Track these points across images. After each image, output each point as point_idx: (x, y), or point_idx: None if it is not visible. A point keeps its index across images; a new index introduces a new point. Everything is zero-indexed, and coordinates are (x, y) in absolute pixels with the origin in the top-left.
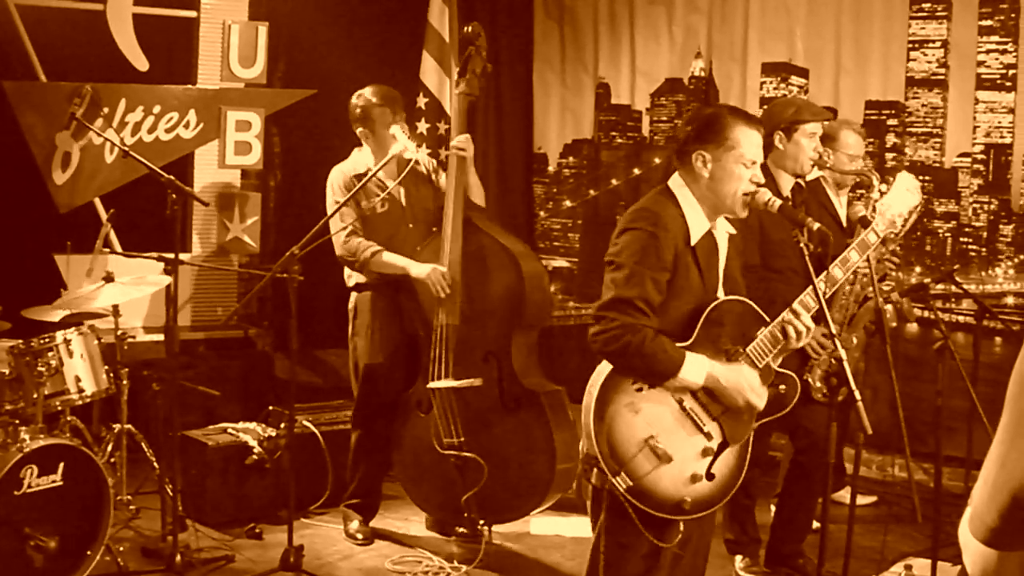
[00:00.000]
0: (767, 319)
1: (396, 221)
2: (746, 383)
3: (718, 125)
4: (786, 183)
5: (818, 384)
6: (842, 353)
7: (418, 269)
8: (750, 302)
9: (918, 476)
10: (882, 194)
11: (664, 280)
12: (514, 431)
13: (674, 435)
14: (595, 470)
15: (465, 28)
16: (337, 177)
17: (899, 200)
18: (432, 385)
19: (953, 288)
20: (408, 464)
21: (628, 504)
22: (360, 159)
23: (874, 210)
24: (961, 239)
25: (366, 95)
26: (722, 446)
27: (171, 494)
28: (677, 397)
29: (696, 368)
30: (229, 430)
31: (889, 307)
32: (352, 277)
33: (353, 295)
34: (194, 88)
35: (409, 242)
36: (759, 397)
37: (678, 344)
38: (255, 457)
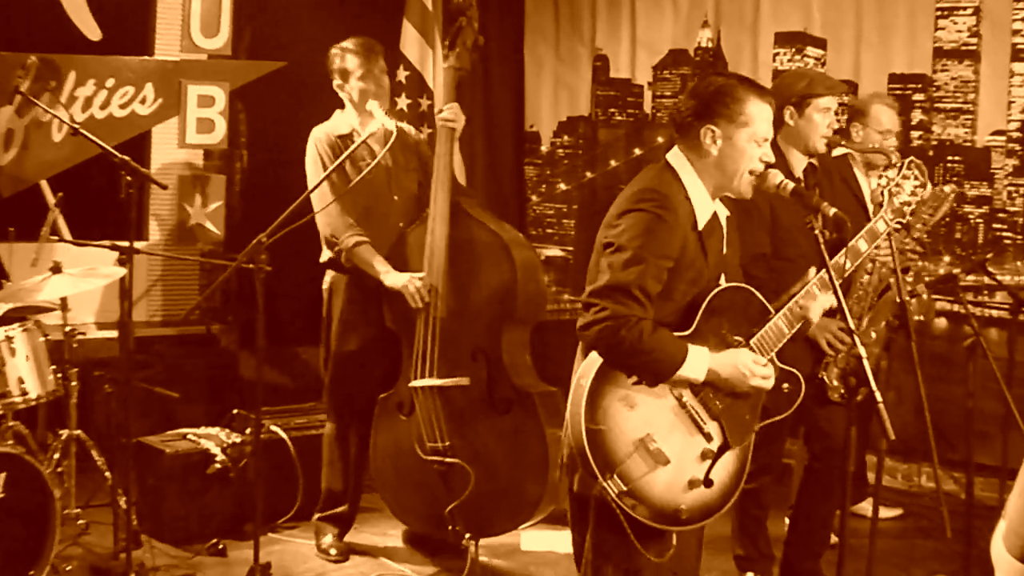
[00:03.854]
0: (771, 309)
1: (379, 191)
2: (745, 368)
3: (731, 98)
4: (798, 163)
5: (835, 383)
6: (861, 350)
7: (392, 279)
8: (753, 290)
9: (947, 486)
10: (890, 180)
11: (666, 268)
12: (504, 435)
13: (672, 434)
14: (579, 475)
15: None
16: (320, 136)
17: (907, 185)
18: (415, 384)
19: (985, 279)
20: (387, 472)
21: (620, 512)
22: (342, 120)
23: (884, 195)
24: (994, 225)
25: (342, 45)
26: (722, 449)
27: (124, 507)
28: (676, 392)
29: (698, 362)
30: (189, 436)
31: (914, 300)
32: (327, 253)
33: (329, 275)
34: (151, 60)
35: (392, 215)
36: (764, 378)
37: (677, 334)
38: (218, 466)
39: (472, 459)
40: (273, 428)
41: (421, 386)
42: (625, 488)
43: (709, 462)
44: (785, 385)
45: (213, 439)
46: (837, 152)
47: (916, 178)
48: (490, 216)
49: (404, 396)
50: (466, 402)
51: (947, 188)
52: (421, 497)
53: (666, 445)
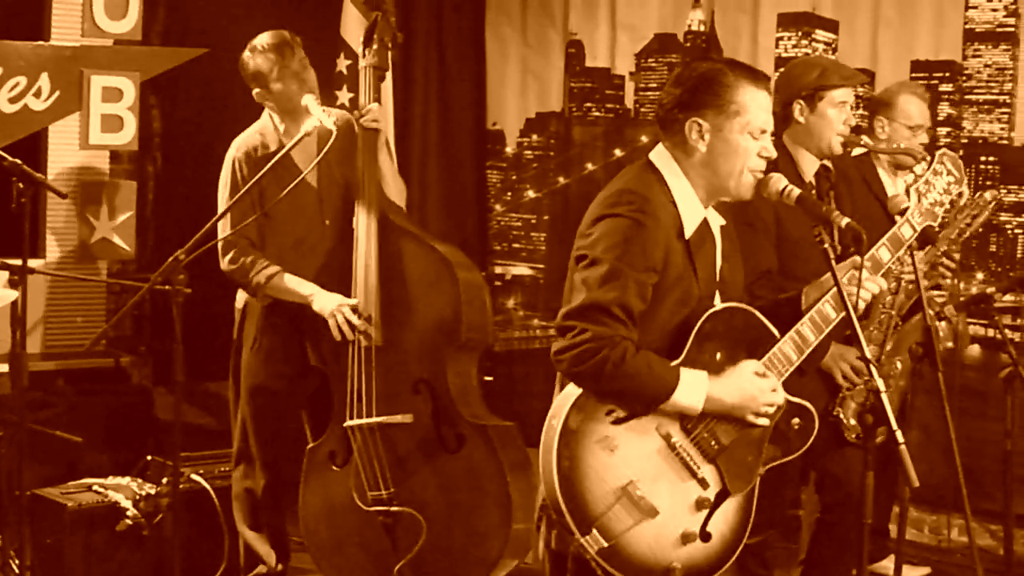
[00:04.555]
0: (776, 333)
1: (308, 217)
2: (754, 388)
3: (718, 85)
4: (809, 165)
5: (852, 422)
6: (879, 382)
7: (322, 301)
8: (754, 311)
9: (982, 541)
10: (917, 177)
11: (650, 283)
12: (457, 477)
13: (660, 481)
14: (555, 528)
15: None
16: (239, 155)
17: (938, 183)
18: (350, 423)
19: None
20: (321, 534)
21: (601, 572)
22: (268, 130)
23: (911, 195)
24: None
25: (251, 45)
26: (720, 496)
27: (17, 571)
28: (664, 431)
29: (694, 388)
30: (95, 487)
31: (943, 324)
32: None
33: (242, 292)
34: (47, 45)
35: (322, 244)
36: (775, 394)
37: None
38: (129, 522)
39: (422, 507)
40: (194, 477)
41: (357, 425)
42: (606, 544)
43: (706, 512)
44: (795, 421)
45: (123, 490)
46: (857, 152)
47: (949, 173)
48: (421, 231)
49: (336, 444)
50: (411, 442)
51: (987, 195)
52: (364, 557)
53: (653, 493)
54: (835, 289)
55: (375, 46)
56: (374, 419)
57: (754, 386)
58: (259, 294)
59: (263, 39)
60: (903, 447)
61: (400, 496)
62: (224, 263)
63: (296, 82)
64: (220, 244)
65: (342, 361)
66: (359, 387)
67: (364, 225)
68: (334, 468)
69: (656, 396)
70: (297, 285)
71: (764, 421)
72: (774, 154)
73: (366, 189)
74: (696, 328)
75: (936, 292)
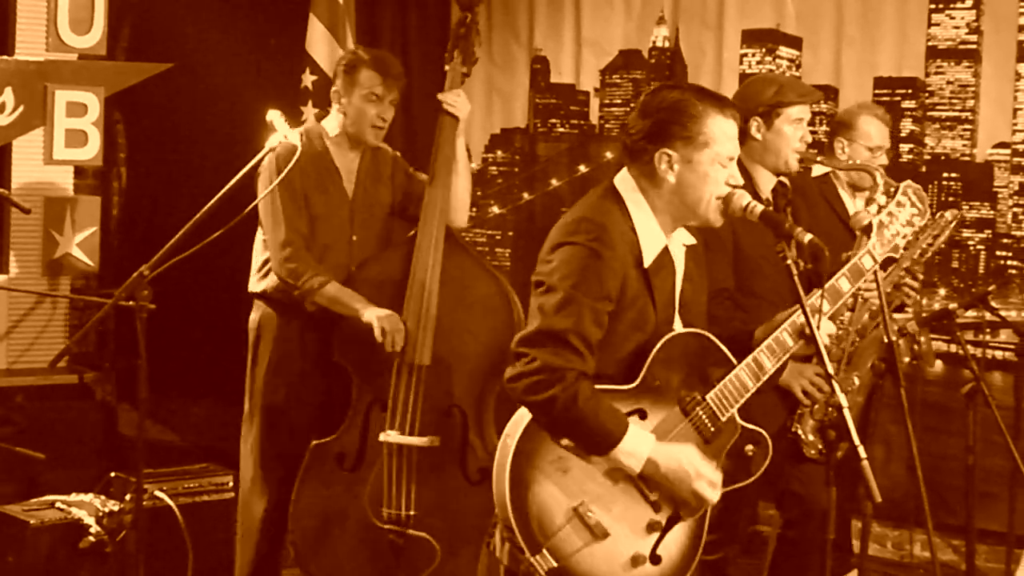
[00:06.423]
0: (732, 359)
1: (337, 228)
2: (691, 468)
3: (686, 116)
4: (765, 182)
5: (811, 438)
6: (842, 399)
7: (371, 313)
8: (711, 336)
9: (945, 555)
10: (880, 207)
11: (606, 311)
12: (473, 512)
13: (612, 504)
14: (507, 545)
15: None
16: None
17: (901, 215)
18: (387, 438)
19: (987, 315)
20: (311, 536)
21: None
22: (312, 129)
23: (872, 225)
24: (997, 253)
25: (365, 50)
26: (672, 520)
27: None
28: None
29: (637, 447)
30: (58, 504)
31: (904, 341)
32: (262, 280)
33: (257, 308)
34: (11, 60)
35: (344, 259)
36: (711, 485)
37: (620, 387)
38: (92, 539)
39: (434, 533)
40: (157, 494)
41: (392, 442)
42: (556, 565)
43: (656, 535)
44: (749, 447)
45: (86, 507)
46: (817, 171)
47: (913, 205)
48: (477, 253)
49: (348, 447)
50: (434, 466)
51: (948, 214)
52: (361, 567)
53: (605, 515)
54: (792, 318)
55: (458, 54)
56: (410, 439)
57: (693, 467)
58: (307, 299)
59: (374, 51)
60: (866, 462)
61: (417, 518)
62: (277, 267)
63: (374, 107)
64: (273, 251)
65: (372, 367)
66: (405, 402)
67: (432, 234)
68: (343, 472)
69: (597, 446)
70: (348, 297)
71: (701, 494)
72: (740, 181)
73: (436, 195)
74: (652, 354)
75: (900, 315)
